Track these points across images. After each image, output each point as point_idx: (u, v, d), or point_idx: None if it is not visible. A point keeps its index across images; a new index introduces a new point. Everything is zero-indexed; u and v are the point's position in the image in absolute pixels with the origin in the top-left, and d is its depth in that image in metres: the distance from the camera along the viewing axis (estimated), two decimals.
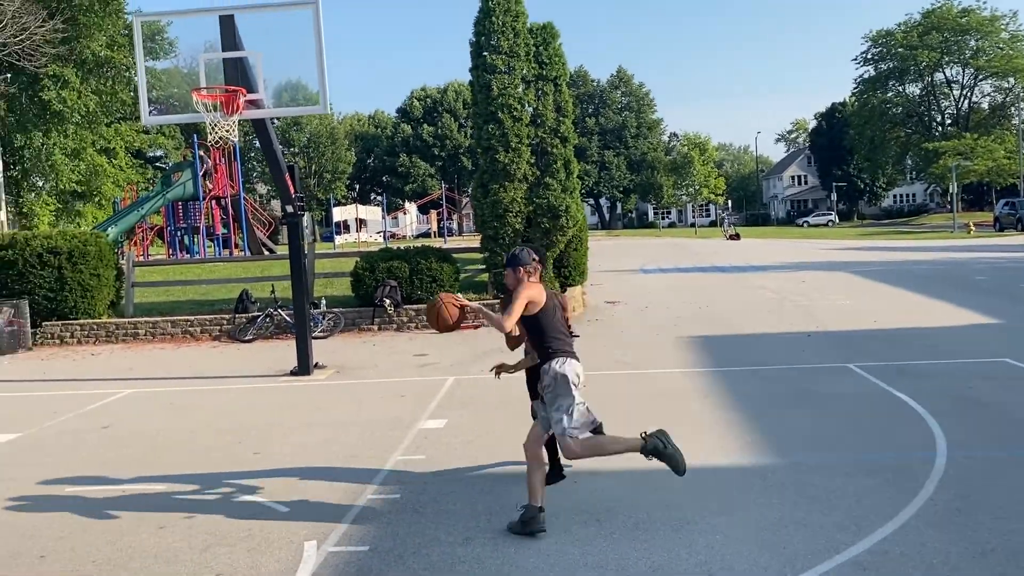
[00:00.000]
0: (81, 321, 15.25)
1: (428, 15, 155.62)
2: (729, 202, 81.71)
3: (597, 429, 5.33)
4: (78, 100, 41.37)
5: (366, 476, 6.34)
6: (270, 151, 10.96)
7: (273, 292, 15.53)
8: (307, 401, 9.49)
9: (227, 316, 15.32)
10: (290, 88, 12.63)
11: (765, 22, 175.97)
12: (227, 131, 9.32)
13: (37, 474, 6.84)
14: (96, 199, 44.26)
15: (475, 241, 20.06)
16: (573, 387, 5.07)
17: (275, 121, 10.50)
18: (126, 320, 15.41)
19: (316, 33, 10.03)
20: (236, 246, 30.77)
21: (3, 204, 41.13)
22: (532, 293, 5.20)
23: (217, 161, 30.30)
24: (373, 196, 79.63)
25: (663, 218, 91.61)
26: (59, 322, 15.19)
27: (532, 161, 15.58)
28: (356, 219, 54.26)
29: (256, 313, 15.15)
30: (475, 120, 16.25)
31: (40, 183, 43.48)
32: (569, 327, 5.47)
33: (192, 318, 15.37)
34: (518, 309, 5.13)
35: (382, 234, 52.04)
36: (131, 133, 47.55)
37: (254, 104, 10.07)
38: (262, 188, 67.36)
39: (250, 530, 5.32)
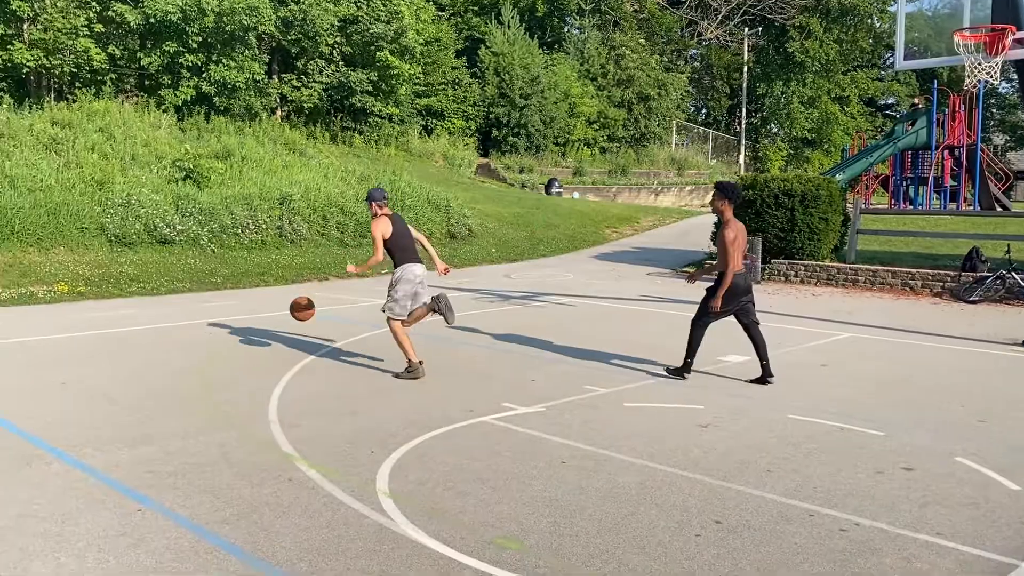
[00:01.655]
0: (805, 262, 16.04)
1: None
2: None
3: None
4: (819, 49, 42.90)
5: None
6: None
7: (1008, 252, 14.16)
8: None
9: (951, 273, 14.49)
10: None
11: None
12: (987, 73, 8.63)
13: (792, 401, 7.46)
14: (824, 146, 45.73)
15: None
16: (407, 283, 7.84)
17: None
18: (847, 265, 15.70)
19: None
20: (965, 200, 28.73)
21: (743, 148, 45.20)
22: (381, 228, 7.89)
23: (956, 108, 28.50)
24: None
25: None
26: (785, 261, 16.22)
27: None
28: None
29: (985, 274, 14.03)
30: None
31: (775, 130, 46.53)
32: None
33: (913, 271, 14.93)
34: (378, 244, 7.88)
35: None
36: (865, 81, 47.70)
37: (1021, 43, 9.11)
38: (998, 138, 61.47)
39: (975, 500, 5.01)
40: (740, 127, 45.79)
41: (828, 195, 16.18)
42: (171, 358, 8.91)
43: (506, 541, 4.39)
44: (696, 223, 27.37)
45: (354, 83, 28.37)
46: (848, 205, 17.61)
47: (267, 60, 27.98)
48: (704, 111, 50.65)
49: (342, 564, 4.11)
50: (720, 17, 43.72)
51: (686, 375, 8.02)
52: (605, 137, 38.48)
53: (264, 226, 18.06)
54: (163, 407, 6.94)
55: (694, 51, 47.87)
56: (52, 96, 23.68)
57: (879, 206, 30.74)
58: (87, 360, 8.76)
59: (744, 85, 44.92)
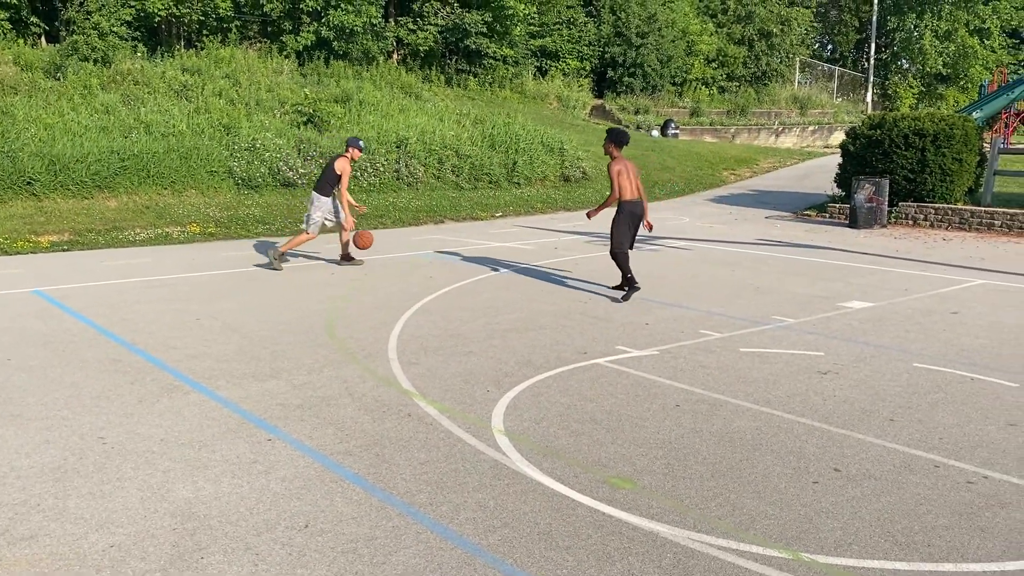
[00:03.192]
0: (936, 205, 15.27)
1: None
2: None
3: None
4: None
5: None
6: None
7: None
8: None
9: None
10: None
11: None
12: None
13: (919, 349, 7.21)
14: (960, 82, 43.06)
15: None
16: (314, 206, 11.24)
17: None
18: (982, 209, 14.87)
19: None
20: None
21: (870, 85, 43.01)
22: (344, 167, 11.13)
23: None
24: None
25: None
26: (914, 204, 15.48)
27: None
28: None
29: None
30: None
31: (906, 66, 44.03)
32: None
33: None
34: (346, 178, 11.23)
35: None
36: (1008, 10, 44.38)
37: None
38: None
39: None
40: (868, 63, 43.52)
41: (963, 134, 15.29)
42: (296, 296, 9.27)
43: (619, 481, 4.44)
44: (818, 164, 26.36)
45: (468, 24, 28.31)
46: (985, 145, 16.61)
47: (383, 3, 28.18)
48: (830, 47, 48.37)
49: (459, 497, 4.24)
50: None
51: (637, 286, 9.02)
52: (724, 76, 37.28)
53: (381, 169, 18.40)
54: (290, 343, 7.25)
55: None
56: (182, 44, 24.58)
57: (1019, 145, 28.86)
58: (219, 297, 9.22)
59: (874, 19, 42.55)
